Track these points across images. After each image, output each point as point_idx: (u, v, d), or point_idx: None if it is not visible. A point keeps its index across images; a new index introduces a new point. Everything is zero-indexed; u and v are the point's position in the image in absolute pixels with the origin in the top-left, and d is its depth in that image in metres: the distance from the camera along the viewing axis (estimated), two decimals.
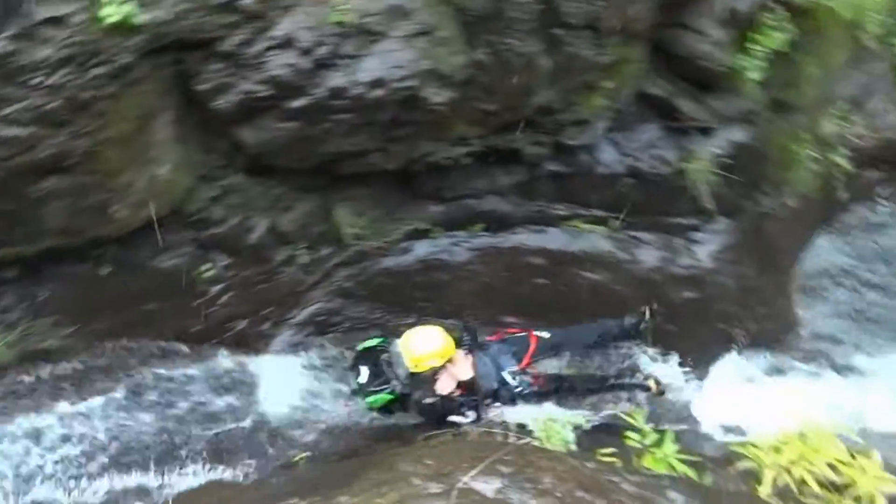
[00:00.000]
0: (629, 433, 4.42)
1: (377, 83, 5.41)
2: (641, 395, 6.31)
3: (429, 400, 5.62)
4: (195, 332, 6.29)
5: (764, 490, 3.82)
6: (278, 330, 6.59)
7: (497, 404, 5.81)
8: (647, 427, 4.37)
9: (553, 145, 6.44)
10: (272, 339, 6.57)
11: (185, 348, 6.32)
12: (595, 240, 6.79)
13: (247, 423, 6.19)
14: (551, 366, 6.34)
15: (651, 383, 6.11)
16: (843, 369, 7.44)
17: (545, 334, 6.19)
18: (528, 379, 5.92)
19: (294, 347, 6.63)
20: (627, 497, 3.40)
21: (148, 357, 6.22)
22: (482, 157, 6.39)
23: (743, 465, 4.03)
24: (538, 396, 5.91)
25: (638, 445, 4.33)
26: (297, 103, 5.40)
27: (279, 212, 6.19)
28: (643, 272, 6.81)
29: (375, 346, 5.88)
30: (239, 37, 5.21)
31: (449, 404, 5.63)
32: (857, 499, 3.84)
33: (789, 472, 3.88)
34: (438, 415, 5.60)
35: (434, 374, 5.66)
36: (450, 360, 5.71)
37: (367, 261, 6.57)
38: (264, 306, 6.43)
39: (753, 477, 3.96)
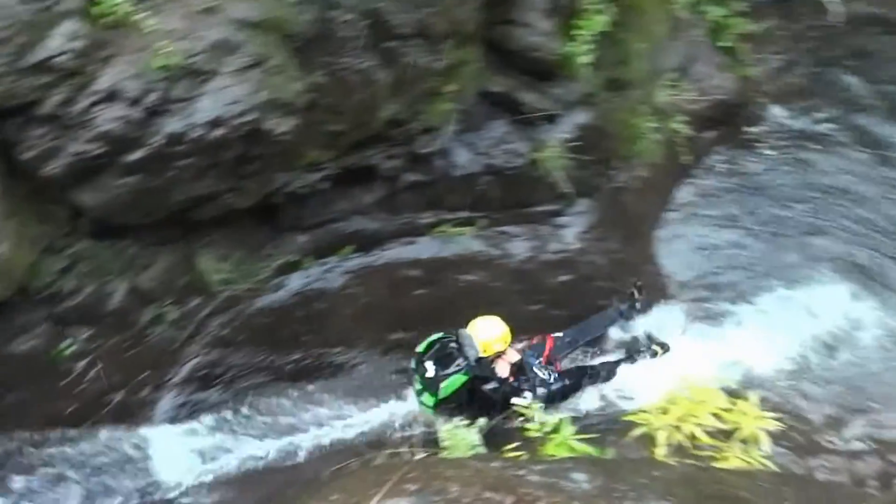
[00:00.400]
0: (528, 425, 4.47)
1: (216, 122, 5.26)
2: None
3: (492, 386, 5.97)
4: (70, 415, 5.90)
5: (660, 451, 3.94)
6: (159, 394, 6.26)
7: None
8: (544, 415, 4.42)
9: (408, 156, 6.46)
10: (155, 406, 6.25)
11: (62, 434, 5.90)
12: (465, 242, 6.87)
13: (144, 499, 5.85)
14: (571, 360, 6.81)
15: (657, 348, 6.77)
16: (718, 318, 7.78)
17: (559, 334, 6.70)
18: (553, 369, 6.39)
19: (181, 409, 6.33)
20: (534, 487, 3.42)
21: (21, 450, 5.77)
22: (340, 178, 6.33)
23: (637, 431, 4.15)
24: (567, 389, 6.35)
25: (538, 435, 4.38)
26: (135, 156, 5.17)
27: (137, 271, 5.89)
28: (517, 264, 6.94)
29: (439, 339, 6.12)
30: (58, 96, 4.95)
31: (509, 388, 6.02)
32: (744, 440, 4.03)
33: (679, 429, 4.03)
34: (502, 400, 5.87)
35: (493, 360, 6.06)
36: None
37: (240, 304, 6.36)
38: (138, 372, 6.09)
39: (649, 441, 4.08)
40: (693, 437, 4.07)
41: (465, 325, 6.93)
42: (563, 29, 6.56)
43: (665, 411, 4.13)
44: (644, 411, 4.19)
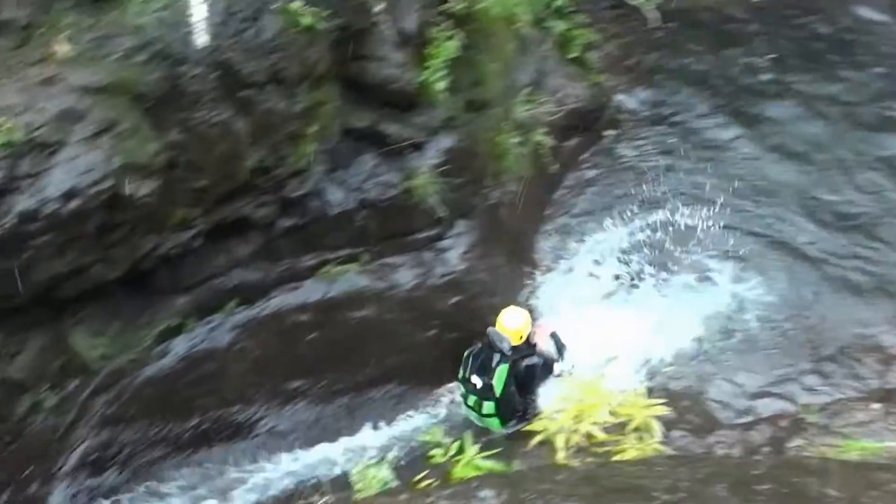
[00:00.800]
0: (433, 452, 4.48)
1: (70, 194, 5.06)
2: None
3: (533, 361, 6.48)
4: None
5: (560, 455, 4.04)
6: (50, 487, 5.90)
7: None
8: (447, 440, 4.45)
9: (279, 202, 6.39)
10: (46, 500, 5.88)
11: None
12: (351, 279, 6.84)
13: None
14: None
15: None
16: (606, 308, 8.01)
17: None
18: None
19: (74, 499, 5.98)
20: None
21: None
22: (213, 234, 6.19)
23: (537, 439, 4.24)
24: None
25: (444, 460, 4.40)
26: None
27: (5, 360, 5.54)
28: (405, 294, 6.97)
29: (469, 355, 6.55)
30: None
31: (549, 359, 6.59)
32: (637, 429, 4.19)
33: (576, 430, 4.15)
34: (546, 372, 6.50)
35: (527, 341, 6.53)
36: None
37: (124, 378, 6.08)
38: (23, 467, 5.71)
39: (550, 447, 4.18)
40: (590, 436, 4.20)
41: (365, 362, 6.97)
42: (417, 58, 6.70)
43: (560, 415, 4.25)
44: (542, 418, 4.30)
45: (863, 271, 8.08)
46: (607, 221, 8.38)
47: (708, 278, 8.05)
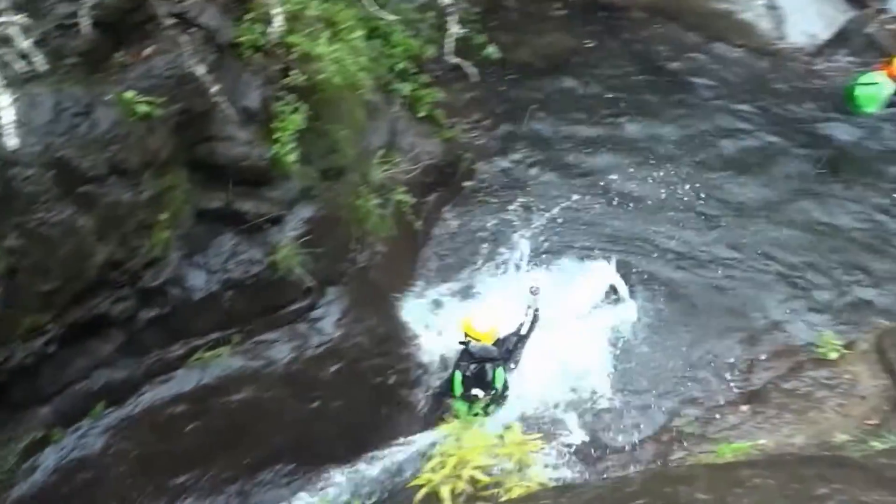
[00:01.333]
0: None
1: None
2: None
3: (513, 341, 7.31)
4: None
5: None
6: None
7: None
8: None
9: (138, 294, 6.20)
10: None
11: None
12: (225, 362, 6.68)
13: None
14: None
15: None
16: None
17: None
18: None
19: None
20: None
21: None
22: (69, 336, 5.91)
23: (422, 493, 4.25)
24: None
25: None
26: None
27: None
28: (283, 369, 6.86)
29: (456, 378, 6.96)
30: None
31: (523, 335, 7.41)
32: (518, 463, 4.28)
33: (459, 477, 4.19)
34: (526, 342, 7.43)
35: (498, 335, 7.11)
36: None
37: None
38: None
39: (435, 499, 4.19)
40: (475, 481, 4.25)
41: (251, 445, 6.75)
42: (265, 134, 6.72)
43: (442, 465, 4.28)
44: (423, 471, 4.32)
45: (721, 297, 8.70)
46: (475, 270, 8.63)
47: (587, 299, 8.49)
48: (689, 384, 8.02)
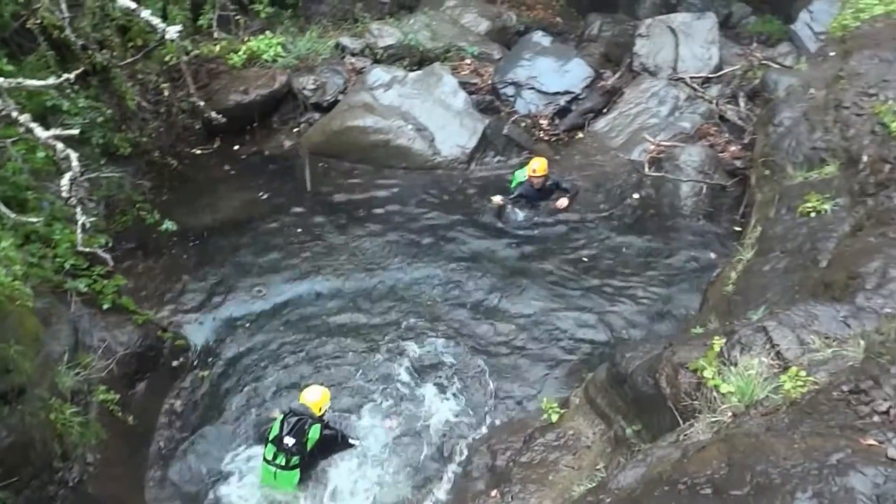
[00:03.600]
0: None
1: None
2: None
3: (332, 432, 8.02)
4: None
5: None
6: None
7: None
8: None
9: None
10: None
11: None
12: None
13: None
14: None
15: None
16: None
17: None
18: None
19: None
20: None
21: None
22: None
23: None
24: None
25: None
26: None
27: None
28: None
29: (284, 418, 7.79)
30: None
31: (344, 435, 8.20)
32: None
33: None
34: (344, 443, 8.14)
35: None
36: None
37: None
38: None
39: None
40: None
41: None
42: None
43: None
44: None
45: None
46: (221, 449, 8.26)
47: None
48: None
